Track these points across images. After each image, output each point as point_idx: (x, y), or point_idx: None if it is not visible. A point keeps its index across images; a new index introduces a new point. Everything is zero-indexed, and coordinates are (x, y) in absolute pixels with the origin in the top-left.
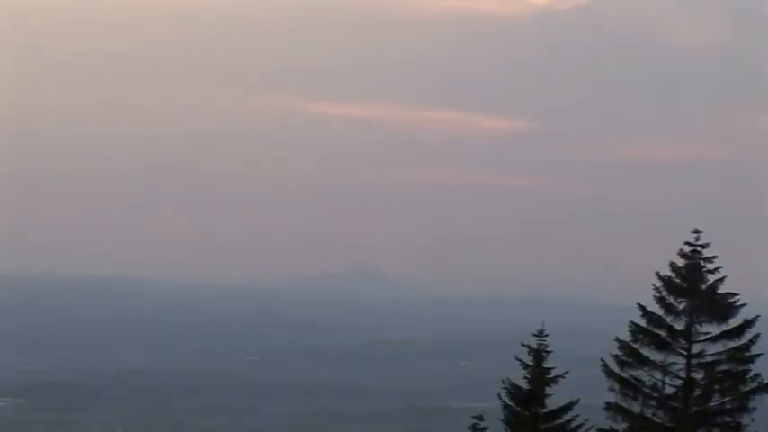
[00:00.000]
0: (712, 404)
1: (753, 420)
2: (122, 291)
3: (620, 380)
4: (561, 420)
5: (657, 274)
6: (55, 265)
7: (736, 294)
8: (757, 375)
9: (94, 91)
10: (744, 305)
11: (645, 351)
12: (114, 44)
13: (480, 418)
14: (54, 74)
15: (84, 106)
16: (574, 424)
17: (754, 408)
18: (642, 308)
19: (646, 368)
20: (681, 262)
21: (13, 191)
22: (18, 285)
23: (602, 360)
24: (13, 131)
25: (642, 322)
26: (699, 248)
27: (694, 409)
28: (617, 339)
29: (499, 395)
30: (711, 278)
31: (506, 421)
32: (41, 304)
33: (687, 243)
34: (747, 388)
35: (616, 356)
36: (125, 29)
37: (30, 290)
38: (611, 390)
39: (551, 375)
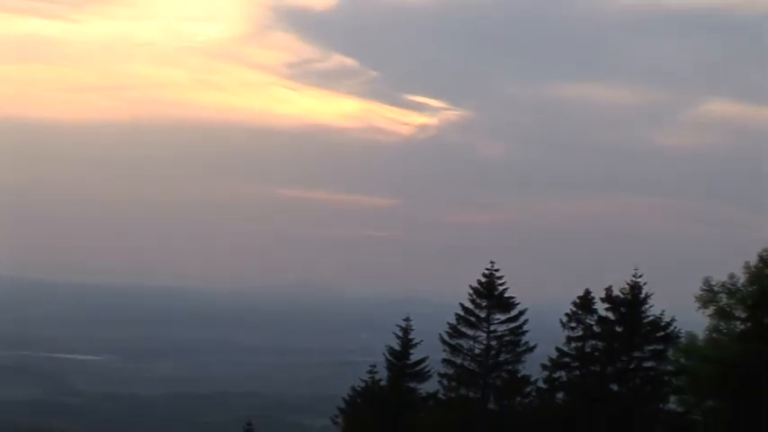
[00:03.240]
0: (501, 359)
1: (524, 368)
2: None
3: (450, 345)
4: (418, 368)
5: (470, 285)
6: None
7: (514, 297)
8: (526, 342)
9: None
10: (519, 303)
11: (463, 329)
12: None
13: (374, 366)
14: None
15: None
16: (426, 370)
17: (525, 360)
18: (462, 305)
19: (464, 339)
20: (483, 279)
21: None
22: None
23: (440, 334)
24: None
25: (462, 313)
26: (494, 271)
27: (491, 362)
28: (448, 323)
29: (384, 354)
30: (501, 288)
31: (388, 368)
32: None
33: (487, 268)
34: (520, 350)
35: (447, 332)
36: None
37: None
38: (444, 350)
39: (413, 342)
